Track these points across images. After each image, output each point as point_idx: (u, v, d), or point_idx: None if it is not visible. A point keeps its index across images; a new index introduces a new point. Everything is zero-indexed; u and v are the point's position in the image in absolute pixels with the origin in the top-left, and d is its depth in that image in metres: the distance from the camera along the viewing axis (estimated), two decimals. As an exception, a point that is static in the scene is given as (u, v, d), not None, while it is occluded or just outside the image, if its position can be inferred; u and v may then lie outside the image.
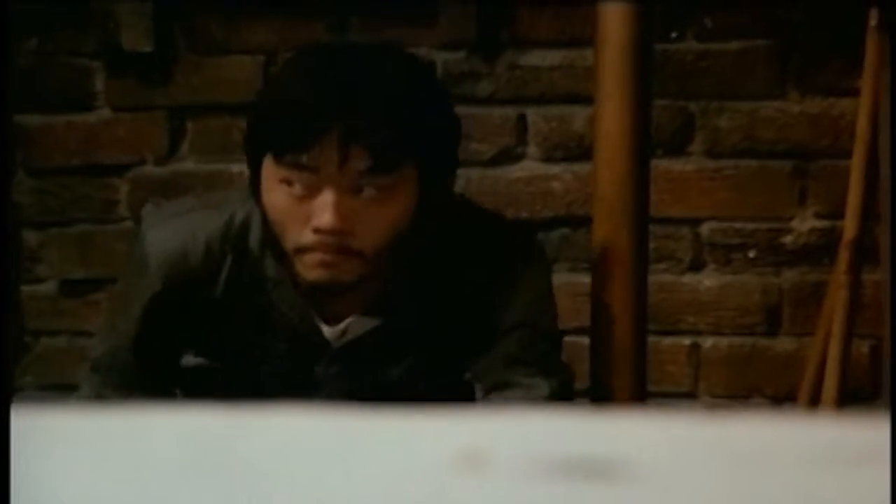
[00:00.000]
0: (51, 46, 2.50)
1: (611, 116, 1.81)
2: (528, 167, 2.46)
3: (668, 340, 2.44)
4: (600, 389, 1.84)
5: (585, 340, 1.92)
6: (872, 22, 1.97)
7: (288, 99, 1.53)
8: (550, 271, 1.75)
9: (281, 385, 1.65)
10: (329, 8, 2.44)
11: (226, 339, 1.66)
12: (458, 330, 1.66)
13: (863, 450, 0.53)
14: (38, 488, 0.50)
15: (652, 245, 2.12)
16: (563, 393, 1.67)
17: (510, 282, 1.66)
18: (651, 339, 1.96)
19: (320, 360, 1.64)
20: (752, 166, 2.42)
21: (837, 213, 2.21)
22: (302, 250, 1.53)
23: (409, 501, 0.49)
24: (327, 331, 1.64)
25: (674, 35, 2.41)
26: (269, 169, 1.54)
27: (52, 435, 0.56)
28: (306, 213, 1.52)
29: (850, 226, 2.00)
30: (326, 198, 1.50)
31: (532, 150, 2.45)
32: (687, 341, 2.45)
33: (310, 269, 1.53)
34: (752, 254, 2.43)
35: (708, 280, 2.45)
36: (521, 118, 2.45)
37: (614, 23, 1.80)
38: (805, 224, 2.41)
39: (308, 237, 1.52)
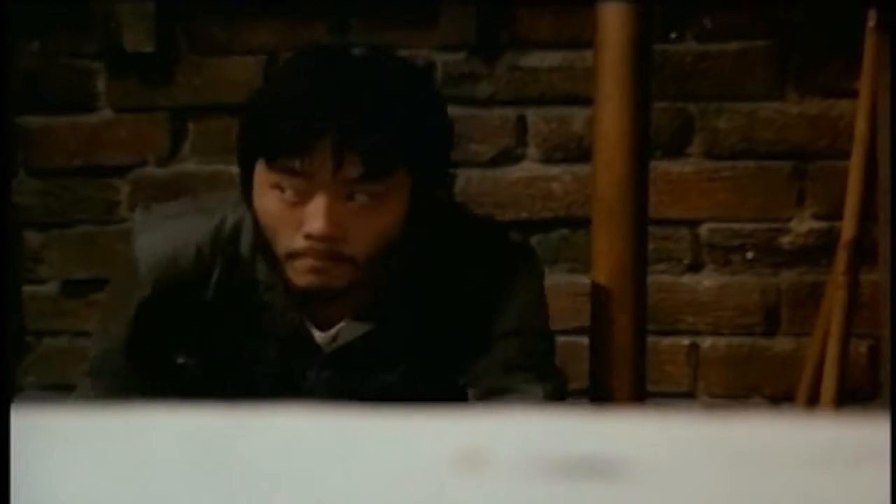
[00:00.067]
0: (52, 47, 2.50)
1: (610, 118, 1.81)
2: (528, 168, 2.46)
3: (667, 340, 2.44)
4: (600, 389, 1.84)
5: (585, 340, 1.92)
6: (871, 23, 1.97)
7: (281, 105, 1.51)
8: (543, 275, 1.74)
9: (272, 389, 1.64)
10: (329, 9, 2.44)
11: (217, 343, 1.65)
12: (451, 335, 1.65)
13: (862, 449, 0.53)
14: (38, 488, 0.50)
15: (651, 246, 2.12)
16: (557, 397, 1.67)
17: (504, 287, 1.65)
18: (650, 339, 1.96)
19: (312, 365, 1.64)
20: (751, 167, 2.42)
21: (836, 214, 2.21)
22: (293, 256, 1.52)
23: (408, 501, 0.49)
24: (319, 335, 1.63)
25: (673, 36, 2.41)
26: (261, 174, 1.53)
27: (52, 435, 0.56)
28: (298, 218, 1.51)
29: (848, 226, 2.00)
30: (318, 204, 1.49)
31: (532, 151, 2.46)
32: (686, 341, 2.45)
33: (301, 274, 1.53)
34: (750, 254, 2.43)
35: (707, 280, 2.45)
36: (521, 119, 2.45)
37: (613, 24, 1.80)
38: (803, 225, 2.41)
39: (299, 243, 1.51)
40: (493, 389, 1.62)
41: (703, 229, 2.44)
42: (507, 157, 2.46)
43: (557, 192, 2.45)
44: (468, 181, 2.46)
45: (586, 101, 2.12)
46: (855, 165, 2.00)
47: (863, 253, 2.01)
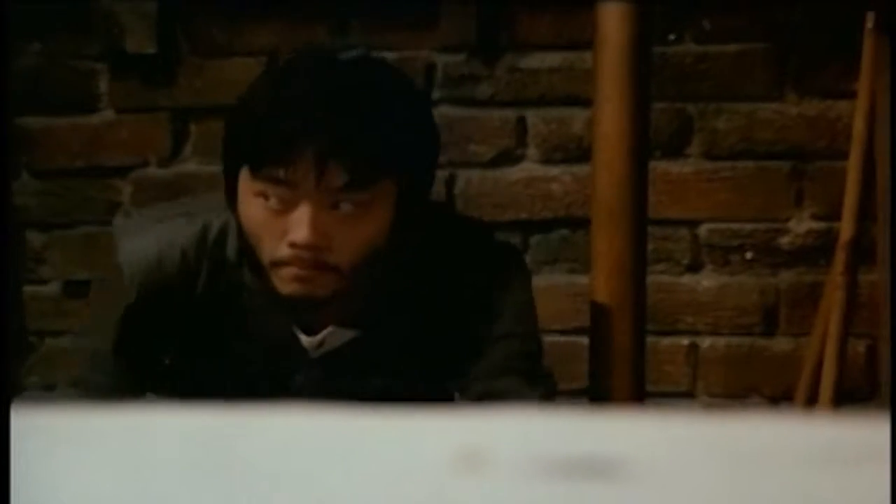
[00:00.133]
0: (55, 49, 2.50)
1: (610, 118, 1.81)
2: (528, 169, 2.46)
3: (666, 340, 2.44)
4: (599, 389, 1.84)
5: (585, 340, 1.92)
6: (869, 25, 1.97)
7: (265, 113, 1.49)
8: (530, 276, 1.73)
9: (259, 393, 1.62)
10: (330, 10, 2.44)
11: (204, 347, 1.64)
12: (439, 341, 1.63)
13: (861, 449, 0.53)
14: (38, 488, 0.50)
15: (650, 246, 2.12)
16: (547, 399, 1.65)
17: (493, 292, 1.63)
18: (649, 339, 1.96)
19: (298, 370, 1.62)
20: (750, 168, 2.42)
21: (834, 215, 2.21)
22: (278, 264, 1.51)
23: (408, 501, 0.49)
24: (305, 340, 1.61)
25: (672, 38, 2.41)
26: (246, 181, 1.51)
27: (52, 434, 0.55)
28: (282, 227, 1.49)
29: (846, 227, 2.00)
30: (303, 212, 1.48)
31: (531, 151, 2.46)
32: (685, 341, 2.45)
33: (285, 283, 1.51)
34: (749, 255, 2.43)
35: (706, 281, 2.45)
36: (521, 120, 2.45)
37: (613, 26, 1.80)
38: (802, 225, 2.41)
39: (284, 251, 1.49)
40: (483, 394, 1.61)
41: (703, 229, 2.44)
42: (507, 158, 2.46)
43: (557, 192, 2.45)
44: (468, 182, 2.46)
45: (586, 102, 2.13)
46: (853, 166, 2.00)
47: (861, 253, 2.01)
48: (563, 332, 2.42)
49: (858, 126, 2.00)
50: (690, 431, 0.55)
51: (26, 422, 0.56)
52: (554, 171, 2.45)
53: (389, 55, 2.15)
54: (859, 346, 2.35)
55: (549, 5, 2.42)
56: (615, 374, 1.82)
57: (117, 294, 1.61)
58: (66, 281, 2.52)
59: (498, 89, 2.45)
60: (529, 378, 1.64)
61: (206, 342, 1.63)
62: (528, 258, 2.46)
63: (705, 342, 2.45)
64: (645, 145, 1.84)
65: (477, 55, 2.45)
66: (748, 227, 2.43)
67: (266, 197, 1.49)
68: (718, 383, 2.45)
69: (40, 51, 2.51)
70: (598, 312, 1.84)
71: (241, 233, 1.55)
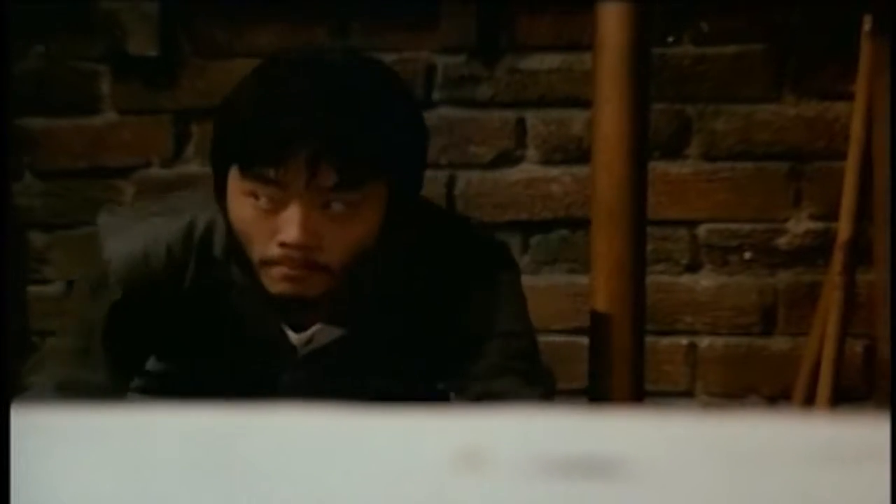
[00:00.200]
0: (57, 51, 2.50)
1: (609, 120, 1.81)
2: (528, 170, 2.46)
3: (665, 340, 2.44)
4: (599, 389, 1.84)
5: (584, 340, 1.92)
6: (866, 27, 1.96)
7: (255, 113, 1.47)
8: (519, 274, 1.71)
9: (247, 390, 1.61)
10: (330, 12, 2.44)
11: (191, 344, 1.63)
12: (430, 340, 1.62)
13: (860, 448, 0.53)
14: (38, 488, 0.50)
15: (650, 246, 2.13)
16: (547, 398, 1.64)
17: (482, 290, 1.62)
18: (649, 338, 1.96)
19: (286, 367, 1.61)
20: (749, 169, 2.42)
21: (832, 215, 2.21)
22: (268, 263, 1.49)
23: (408, 501, 0.49)
24: (294, 337, 1.60)
25: (671, 39, 2.41)
26: (235, 181, 1.50)
27: (52, 434, 0.55)
28: (272, 226, 1.48)
29: (844, 227, 2.00)
30: (293, 212, 1.46)
31: (531, 152, 2.46)
32: (684, 341, 2.45)
33: (275, 282, 1.49)
34: (748, 255, 2.43)
35: (705, 281, 2.45)
36: (521, 121, 2.45)
37: (612, 27, 1.80)
38: (800, 225, 2.42)
39: (274, 251, 1.48)
40: (482, 395, 1.59)
41: (702, 230, 2.45)
42: (507, 159, 2.46)
43: (557, 193, 2.45)
44: (468, 183, 2.46)
45: (585, 103, 2.13)
46: (851, 167, 1.99)
47: (859, 253, 2.01)
48: (562, 332, 2.43)
49: (856, 127, 1.99)
50: (689, 431, 0.55)
51: (26, 422, 0.56)
52: (554, 171, 2.45)
53: (389, 56, 2.16)
54: (857, 346, 2.35)
55: (549, 7, 2.42)
56: (614, 373, 1.82)
57: (103, 291, 1.59)
58: (68, 281, 2.51)
59: (498, 90, 2.45)
60: (528, 377, 1.62)
61: (193, 339, 1.62)
62: (528, 258, 2.47)
63: (704, 342, 2.45)
64: (644, 146, 1.84)
65: (477, 56, 2.44)
66: (747, 227, 2.43)
67: (256, 196, 1.48)
68: (717, 383, 2.45)
69: (43, 53, 2.51)
70: (598, 312, 1.84)
71: (230, 231, 1.53)
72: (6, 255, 2.40)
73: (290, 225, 1.46)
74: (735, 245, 2.44)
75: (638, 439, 0.54)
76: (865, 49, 1.98)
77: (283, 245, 1.47)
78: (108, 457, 0.52)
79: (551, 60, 2.44)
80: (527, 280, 2.39)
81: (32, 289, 2.55)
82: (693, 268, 2.46)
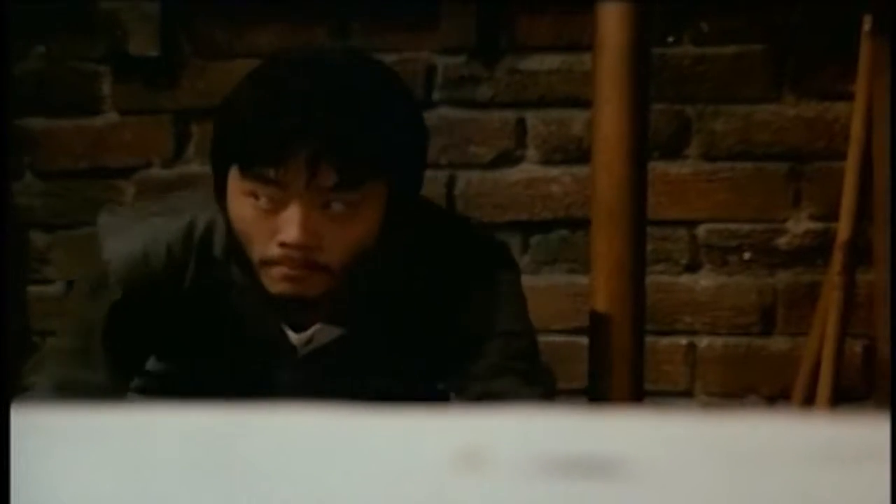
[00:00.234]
0: (58, 51, 2.50)
1: (609, 120, 1.81)
2: (528, 170, 2.46)
3: (665, 340, 2.44)
4: (598, 388, 1.84)
5: (584, 340, 1.92)
6: (866, 27, 1.96)
7: (255, 113, 1.47)
8: (519, 274, 1.70)
9: (246, 390, 1.60)
10: (331, 12, 2.44)
11: (191, 344, 1.62)
12: (430, 340, 1.62)
13: (860, 448, 0.53)
14: (38, 488, 0.49)
15: (649, 246, 2.12)
16: (547, 398, 1.63)
17: (482, 290, 1.62)
18: (648, 338, 1.96)
19: (286, 366, 1.61)
20: (748, 169, 2.42)
21: (831, 215, 2.22)
22: (268, 263, 1.49)
23: (408, 501, 0.48)
24: (293, 337, 1.60)
25: (671, 40, 2.41)
26: (235, 181, 1.49)
27: (52, 434, 0.55)
28: (272, 226, 1.47)
29: (843, 227, 2.00)
30: (293, 212, 1.46)
31: (531, 153, 2.46)
32: (683, 341, 2.45)
33: (275, 282, 1.49)
34: (747, 255, 2.43)
35: (704, 281, 2.45)
36: (521, 122, 2.45)
37: (612, 27, 1.80)
38: (800, 226, 2.42)
39: (274, 251, 1.48)
40: (482, 395, 1.58)
41: (701, 230, 2.45)
42: (507, 159, 2.46)
43: (557, 193, 2.45)
44: (468, 183, 2.46)
45: (585, 103, 2.12)
46: (851, 167, 2.00)
47: (858, 253, 2.01)
48: (562, 332, 2.43)
49: (856, 127, 1.99)
50: (689, 430, 0.55)
51: (26, 422, 0.56)
52: (554, 172, 2.45)
53: (390, 57, 2.16)
54: (856, 346, 2.35)
55: (549, 7, 2.42)
56: (614, 373, 1.82)
57: (103, 291, 1.59)
58: (69, 281, 2.50)
59: (498, 91, 2.45)
60: (528, 377, 1.62)
61: (193, 339, 1.62)
62: (528, 258, 2.47)
63: (703, 342, 2.45)
64: (644, 146, 1.84)
65: (477, 57, 2.44)
66: (746, 227, 2.43)
67: (256, 196, 1.47)
68: (716, 383, 2.45)
69: (44, 53, 2.51)
70: (598, 312, 1.84)
71: (230, 231, 1.53)
72: (6, 255, 2.40)
73: (290, 225, 1.46)
74: (734, 245, 2.44)
75: (637, 439, 0.54)
76: (865, 49, 1.98)
77: (283, 245, 1.47)
78: (108, 457, 0.52)
79: (551, 61, 2.44)
80: (527, 280, 2.40)
81: (33, 289, 2.55)
82: (693, 268, 2.46)
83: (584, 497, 0.48)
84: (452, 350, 1.61)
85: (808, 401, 2.04)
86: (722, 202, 2.43)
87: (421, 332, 1.62)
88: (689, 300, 2.45)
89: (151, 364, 1.67)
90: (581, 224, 2.37)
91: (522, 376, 1.61)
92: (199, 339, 1.62)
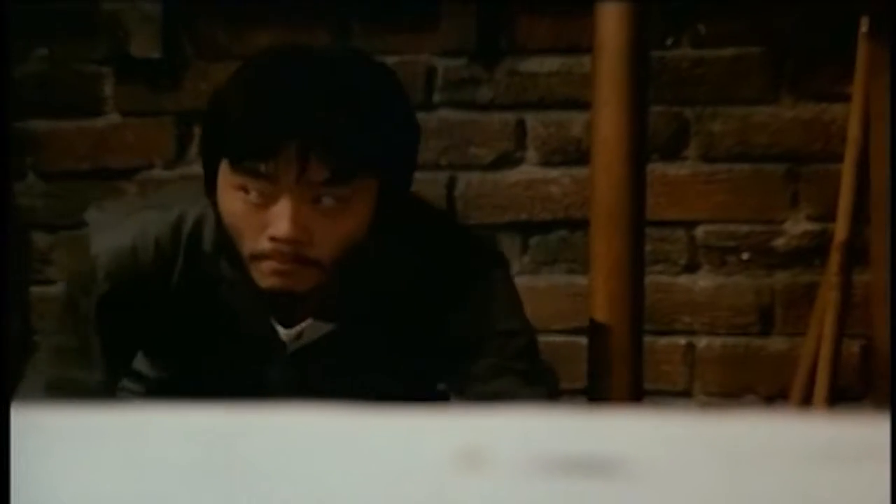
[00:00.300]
0: (61, 53, 2.51)
1: (608, 122, 1.81)
2: (527, 171, 2.46)
3: (663, 340, 2.44)
4: (598, 388, 1.84)
5: (583, 340, 1.93)
6: (863, 29, 1.96)
7: (245, 107, 1.46)
8: (511, 273, 1.69)
9: (235, 386, 1.60)
10: (332, 14, 2.44)
11: (179, 339, 1.61)
12: (422, 337, 1.61)
13: (860, 447, 0.53)
14: (38, 487, 0.49)
15: (648, 247, 2.13)
16: (552, 397, 1.63)
17: (477, 287, 1.61)
18: (647, 338, 1.96)
19: (275, 363, 1.60)
20: (746, 170, 2.42)
21: (829, 216, 2.22)
22: (258, 257, 1.48)
23: (408, 501, 0.48)
24: (283, 333, 1.59)
25: (669, 42, 2.41)
26: (225, 175, 1.48)
27: (52, 434, 0.55)
28: (263, 220, 1.46)
29: (840, 228, 2.00)
30: (283, 206, 1.45)
31: (531, 154, 2.46)
32: (682, 341, 2.46)
33: (265, 276, 1.48)
34: (745, 256, 2.44)
35: (703, 281, 2.45)
36: (521, 123, 2.46)
37: (611, 30, 1.80)
38: (797, 226, 2.42)
39: (264, 245, 1.46)
40: (484, 396, 1.57)
41: (700, 231, 2.45)
42: (507, 161, 2.46)
43: (556, 194, 2.45)
44: (468, 184, 2.47)
45: (584, 105, 2.12)
46: (847, 168, 1.99)
47: (855, 254, 2.01)
48: (561, 333, 2.43)
49: (853, 129, 1.99)
50: (688, 430, 0.55)
51: (26, 422, 0.56)
52: (553, 173, 2.45)
53: (390, 59, 2.16)
54: (853, 347, 2.35)
55: (548, 10, 2.42)
56: (613, 373, 1.82)
57: (91, 287, 1.58)
58: (71, 281, 2.52)
59: (498, 93, 2.45)
60: (528, 377, 1.61)
61: (182, 334, 1.61)
62: (527, 259, 2.47)
63: (702, 342, 2.46)
64: (643, 148, 1.84)
65: (477, 59, 2.44)
66: (744, 228, 2.43)
67: (246, 190, 1.46)
68: (715, 382, 2.46)
69: (47, 55, 2.51)
70: (597, 312, 1.83)
71: (220, 225, 1.52)
72: (7, 255, 2.41)
73: (281, 219, 1.45)
74: (733, 246, 2.44)
75: (637, 439, 0.54)
76: (862, 51, 1.97)
77: (273, 239, 1.46)
78: (108, 457, 0.52)
79: (551, 63, 2.44)
80: (526, 280, 2.42)
81: (35, 289, 2.55)
82: (691, 268, 2.46)
83: (584, 497, 0.48)
84: (447, 348, 1.60)
85: (806, 400, 2.03)
86: (720, 203, 2.43)
87: (412, 328, 1.61)
88: (687, 300, 2.45)
89: (139, 360, 1.66)
90: (580, 225, 2.37)
91: (522, 376, 1.60)
92: (187, 334, 1.61)
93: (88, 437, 0.54)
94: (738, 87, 2.42)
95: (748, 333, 2.45)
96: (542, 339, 1.75)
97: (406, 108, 1.55)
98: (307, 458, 0.52)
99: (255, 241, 1.47)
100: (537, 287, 2.43)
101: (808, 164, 2.41)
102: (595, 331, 1.85)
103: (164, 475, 0.50)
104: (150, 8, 2.47)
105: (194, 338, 1.61)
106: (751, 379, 2.45)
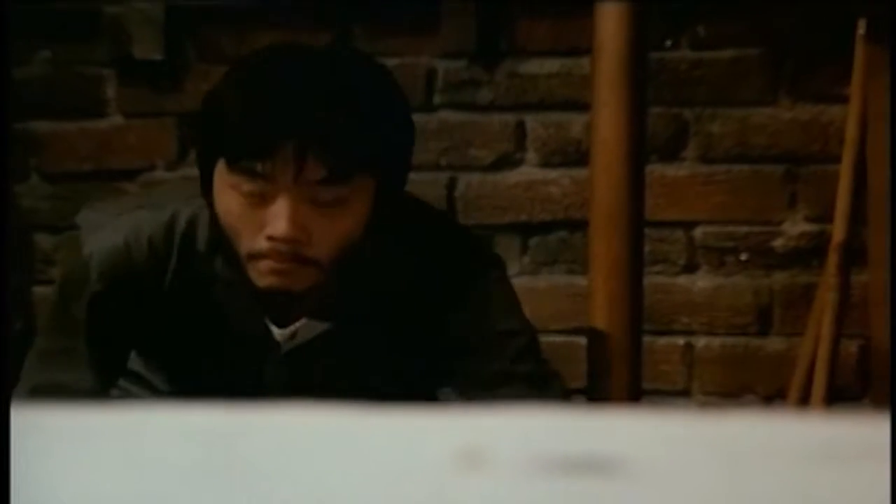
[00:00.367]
0: (64, 56, 2.51)
1: (607, 123, 1.81)
2: (527, 172, 2.47)
3: (662, 340, 2.45)
4: (597, 388, 1.84)
5: (583, 340, 1.93)
6: (861, 31, 1.96)
7: (243, 107, 1.45)
8: (507, 274, 1.69)
9: (229, 386, 1.59)
10: (333, 17, 2.44)
11: (173, 339, 1.61)
12: (420, 337, 1.60)
13: (860, 447, 0.53)
14: (38, 487, 0.49)
15: (647, 248, 2.13)
16: (561, 398, 1.61)
17: (473, 287, 1.60)
18: (646, 338, 1.96)
19: (269, 362, 1.59)
20: (745, 171, 2.43)
21: (827, 217, 2.21)
22: (255, 257, 1.47)
23: (409, 501, 0.48)
24: (277, 332, 1.58)
25: (668, 44, 2.42)
26: (222, 174, 1.48)
27: (52, 433, 0.54)
28: (260, 219, 1.45)
29: (838, 229, 2.00)
30: (281, 206, 1.44)
31: (531, 155, 2.46)
32: (681, 341, 2.46)
33: (262, 276, 1.47)
34: (744, 256, 2.44)
35: (701, 282, 2.45)
36: (520, 125, 2.46)
37: (610, 31, 1.80)
38: (795, 227, 2.42)
39: (262, 244, 1.46)
40: (487, 398, 1.55)
41: (698, 231, 2.45)
42: (507, 162, 2.47)
43: (556, 195, 2.46)
44: (468, 185, 2.47)
45: (584, 106, 2.12)
46: (845, 169, 2.00)
47: (853, 255, 2.01)
48: (561, 333, 2.43)
49: (851, 130, 1.99)
50: (687, 430, 0.55)
51: (26, 421, 0.56)
52: (553, 174, 2.46)
53: (391, 61, 2.16)
54: (851, 347, 2.36)
55: (548, 12, 2.42)
56: (613, 373, 1.82)
57: (84, 287, 1.57)
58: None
59: (498, 94, 2.46)
60: (533, 381, 1.59)
61: (175, 333, 1.60)
62: (527, 259, 2.48)
63: (701, 342, 2.46)
64: (642, 149, 1.84)
65: (477, 61, 2.45)
66: (743, 229, 2.44)
67: (243, 190, 1.46)
68: (713, 382, 2.46)
69: (50, 58, 2.52)
70: (596, 313, 1.83)
71: (215, 224, 1.51)
72: (7, 256, 2.41)
73: (278, 218, 1.44)
74: (731, 246, 2.45)
75: (636, 438, 0.54)
76: (860, 53, 1.97)
77: (270, 238, 1.45)
78: (108, 456, 0.52)
79: (550, 65, 2.45)
80: (526, 281, 2.43)
81: (38, 289, 2.55)
82: (690, 269, 2.46)
83: (584, 496, 0.48)
84: (446, 348, 1.59)
85: (804, 400, 2.03)
86: (719, 204, 2.44)
87: (409, 328, 1.60)
88: (686, 301, 2.46)
89: (132, 359, 1.65)
90: (580, 225, 2.38)
91: (528, 382, 1.59)
92: (181, 334, 1.60)
93: (88, 437, 0.54)
94: (736, 88, 2.42)
95: (747, 333, 2.45)
96: (541, 339, 1.74)
97: (403, 106, 1.54)
98: (307, 458, 0.52)
99: (252, 241, 1.47)
100: (537, 287, 2.44)
101: (807, 166, 2.41)
102: (594, 331, 1.85)
103: (163, 475, 0.50)
104: (153, 10, 2.47)
105: (187, 337, 1.60)
106: (749, 379, 2.45)
